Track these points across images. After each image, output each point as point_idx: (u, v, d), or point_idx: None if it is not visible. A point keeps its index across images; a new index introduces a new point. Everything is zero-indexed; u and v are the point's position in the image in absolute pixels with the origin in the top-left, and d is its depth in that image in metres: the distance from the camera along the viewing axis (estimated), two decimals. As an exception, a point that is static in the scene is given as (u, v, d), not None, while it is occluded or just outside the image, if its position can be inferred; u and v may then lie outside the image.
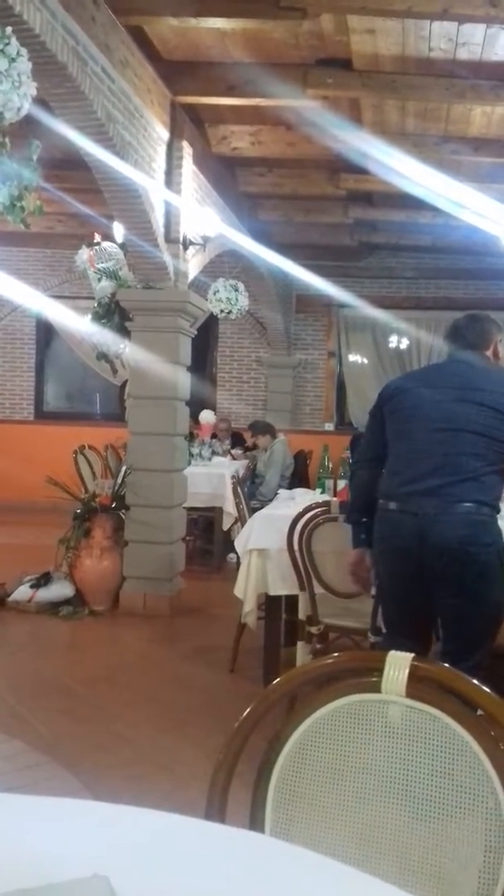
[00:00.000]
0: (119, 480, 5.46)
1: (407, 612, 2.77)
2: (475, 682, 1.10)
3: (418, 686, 1.13)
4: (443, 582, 2.63)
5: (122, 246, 5.43)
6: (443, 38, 4.37)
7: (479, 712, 1.11)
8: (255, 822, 1.18)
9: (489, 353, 2.86)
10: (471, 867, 1.05)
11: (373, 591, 3.17)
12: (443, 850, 1.09)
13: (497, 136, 5.73)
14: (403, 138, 5.55)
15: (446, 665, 1.17)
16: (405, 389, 2.81)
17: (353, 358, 10.59)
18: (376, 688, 1.16)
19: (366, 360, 10.47)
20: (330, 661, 1.28)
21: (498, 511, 2.73)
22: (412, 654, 1.16)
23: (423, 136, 5.73)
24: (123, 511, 5.42)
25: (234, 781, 1.18)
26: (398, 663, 1.15)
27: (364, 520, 2.86)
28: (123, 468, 5.48)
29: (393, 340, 10.23)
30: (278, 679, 1.26)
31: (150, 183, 4.79)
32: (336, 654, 1.29)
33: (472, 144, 5.79)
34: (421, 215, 7.66)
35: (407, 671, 1.14)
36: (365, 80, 4.85)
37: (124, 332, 5.50)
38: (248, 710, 1.22)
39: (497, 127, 5.57)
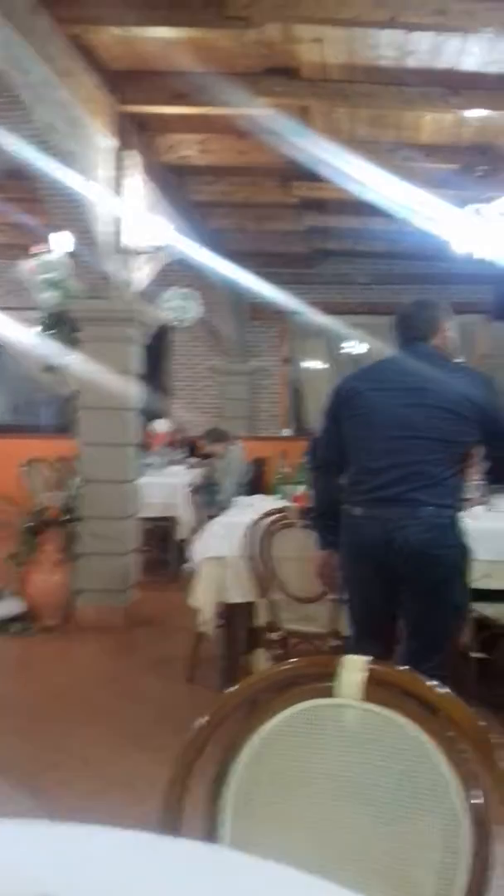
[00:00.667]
0: (71, 493, 5.38)
1: (373, 615, 2.79)
2: (431, 683, 1.09)
3: (374, 689, 1.12)
4: (408, 583, 2.65)
5: (70, 255, 5.36)
6: (391, 47, 4.41)
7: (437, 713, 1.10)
8: (212, 832, 1.15)
9: (438, 341, 2.85)
10: (430, 868, 1.03)
11: (336, 594, 3.17)
12: (402, 852, 1.08)
13: (448, 143, 5.83)
14: (355, 145, 5.58)
15: (402, 667, 1.16)
16: (359, 392, 2.79)
17: (309, 364, 10.65)
18: (332, 692, 1.15)
19: (321, 366, 10.54)
20: (287, 666, 1.26)
21: (460, 510, 2.76)
22: (368, 658, 1.14)
23: (374, 143, 5.79)
24: (76, 523, 5.34)
25: (192, 792, 1.15)
26: (354, 667, 1.14)
27: (330, 523, 2.86)
28: (75, 480, 5.39)
29: (348, 346, 10.33)
30: (234, 687, 1.24)
31: (95, 192, 4.75)
32: (293, 660, 1.27)
33: (424, 151, 5.87)
34: (374, 221, 7.73)
35: (363, 675, 1.12)
36: (314, 88, 4.87)
37: (73, 342, 5.43)
38: (204, 719, 1.19)
39: (448, 133, 5.66)
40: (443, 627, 2.71)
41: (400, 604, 2.70)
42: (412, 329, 2.85)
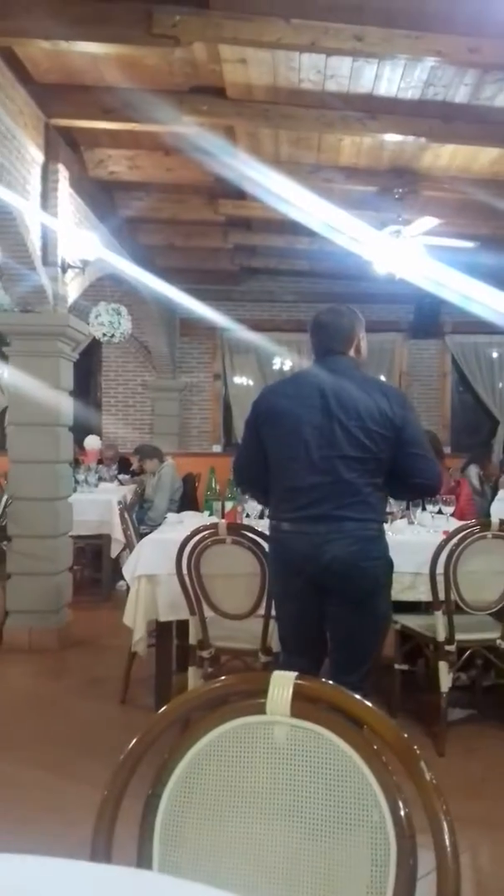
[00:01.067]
0: None
1: (301, 630, 2.81)
2: (356, 697, 1.12)
3: (302, 705, 1.13)
4: (334, 597, 2.69)
5: (-3, 269, 5.28)
6: (312, 70, 4.52)
7: (363, 727, 1.12)
8: (143, 856, 1.15)
9: (353, 352, 2.88)
10: (359, 882, 1.05)
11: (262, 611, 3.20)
12: (331, 867, 1.09)
13: (366, 166, 5.98)
14: (278, 165, 5.68)
15: (328, 682, 1.18)
16: (278, 410, 2.80)
17: (239, 380, 10.71)
18: (262, 709, 1.16)
19: (251, 382, 10.61)
20: (217, 684, 1.27)
21: (383, 524, 2.82)
22: (295, 674, 1.16)
23: (297, 165, 5.90)
24: (5, 543, 5.23)
25: (124, 815, 1.15)
26: (282, 683, 1.15)
27: None
28: (4, 498, 5.28)
29: (276, 362, 10.44)
30: (165, 707, 1.24)
31: (24, 205, 4.69)
32: (224, 678, 1.28)
33: (344, 172, 6.01)
34: (298, 241, 7.86)
35: (291, 690, 1.14)
36: (239, 108, 4.94)
37: (1, 357, 5.34)
38: (134, 741, 1.19)
39: (366, 156, 5.81)
40: (368, 640, 2.75)
41: (326, 618, 2.73)
42: (330, 340, 2.86)
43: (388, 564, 2.78)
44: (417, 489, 3.11)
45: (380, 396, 2.72)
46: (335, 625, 2.74)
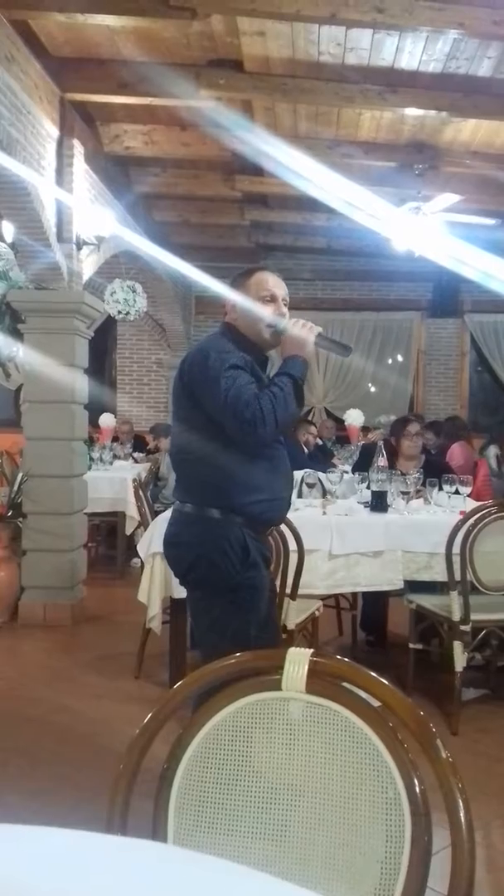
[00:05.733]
0: (15, 488, 5.29)
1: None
2: (372, 674, 1.11)
3: (317, 681, 1.13)
4: None
5: (13, 246, 5.26)
6: (331, 43, 4.44)
7: (378, 704, 1.12)
8: (158, 830, 1.15)
9: (227, 317, 2.52)
10: (373, 858, 1.05)
11: None
12: (346, 843, 1.09)
13: (386, 140, 5.89)
14: (296, 140, 5.62)
15: (344, 659, 1.18)
16: None
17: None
18: (277, 686, 1.16)
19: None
20: (233, 660, 1.27)
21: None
22: (311, 650, 1.16)
23: (315, 140, 5.83)
24: (21, 519, 5.26)
25: (139, 789, 1.15)
26: (298, 660, 1.15)
27: None
28: (20, 475, 5.31)
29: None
30: (180, 682, 1.24)
31: (39, 181, 4.67)
32: (238, 654, 1.28)
33: (363, 148, 5.93)
34: (316, 217, 7.79)
35: (306, 667, 1.14)
36: (256, 82, 4.88)
37: (17, 334, 5.33)
38: (150, 715, 1.19)
39: (386, 131, 5.72)
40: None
41: None
42: None
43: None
44: None
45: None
46: None
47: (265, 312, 2.42)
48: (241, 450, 2.30)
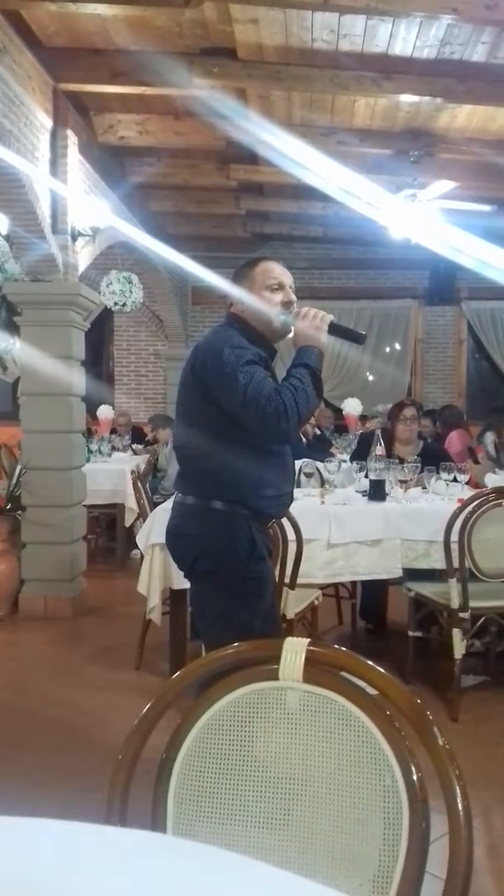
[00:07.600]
0: (14, 481, 5.29)
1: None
2: (368, 662, 1.11)
3: (314, 670, 1.13)
4: None
5: (7, 238, 5.24)
6: (325, 30, 4.41)
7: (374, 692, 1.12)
8: (157, 820, 1.16)
9: (233, 308, 2.49)
10: (371, 845, 1.06)
11: None
12: (344, 831, 1.10)
13: (381, 127, 5.86)
14: (291, 128, 5.59)
15: (341, 648, 1.18)
16: None
17: (251, 348, 10.65)
18: (275, 675, 1.16)
19: (263, 350, 10.55)
20: (231, 650, 1.27)
21: None
22: (308, 640, 1.16)
23: (310, 127, 5.79)
24: (20, 512, 5.26)
25: (138, 779, 1.15)
26: (295, 649, 1.15)
27: None
28: (18, 468, 5.31)
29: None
30: (178, 673, 1.24)
31: (33, 172, 4.65)
32: (236, 644, 1.28)
33: (358, 135, 5.90)
34: (311, 206, 7.76)
35: (303, 656, 1.14)
36: (250, 69, 4.85)
37: (13, 327, 5.32)
38: (148, 706, 1.19)
39: (381, 118, 5.69)
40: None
41: None
42: None
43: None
44: None
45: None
46: None
47: (276, 301, 2.39)
48: (253, 444, 2.28)
